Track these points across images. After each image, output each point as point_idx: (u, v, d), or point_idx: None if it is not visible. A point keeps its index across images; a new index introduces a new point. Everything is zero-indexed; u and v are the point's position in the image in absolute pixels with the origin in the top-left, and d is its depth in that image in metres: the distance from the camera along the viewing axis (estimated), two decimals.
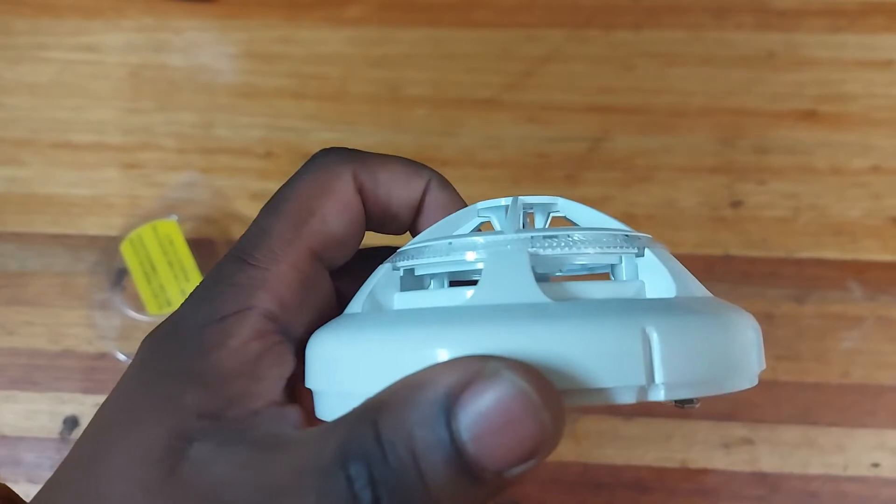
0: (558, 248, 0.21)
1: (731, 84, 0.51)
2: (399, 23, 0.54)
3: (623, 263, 0.22)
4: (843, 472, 0.45)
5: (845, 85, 0.51)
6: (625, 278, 0.22)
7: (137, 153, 0.52)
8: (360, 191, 0.25)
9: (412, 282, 0.23)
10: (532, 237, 0.21)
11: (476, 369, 0.17)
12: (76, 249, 0.50)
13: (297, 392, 0.23)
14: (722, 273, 0.48)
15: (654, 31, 0.52)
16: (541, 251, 0.21)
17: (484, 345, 0.18)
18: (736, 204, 0.49)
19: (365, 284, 0.23)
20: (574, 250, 0.21)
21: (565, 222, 0.25)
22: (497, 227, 0.24)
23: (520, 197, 0.24)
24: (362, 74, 0.53)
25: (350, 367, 0.20)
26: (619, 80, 0.52)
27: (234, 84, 0.53)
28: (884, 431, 0.45)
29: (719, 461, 0.45)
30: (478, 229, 0.25)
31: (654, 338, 0.18)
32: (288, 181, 0.25)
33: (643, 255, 0.22)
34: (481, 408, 0.17)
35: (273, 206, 0.25)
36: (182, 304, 0.23)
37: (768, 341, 0.46)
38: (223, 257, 0.24)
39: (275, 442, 0.20)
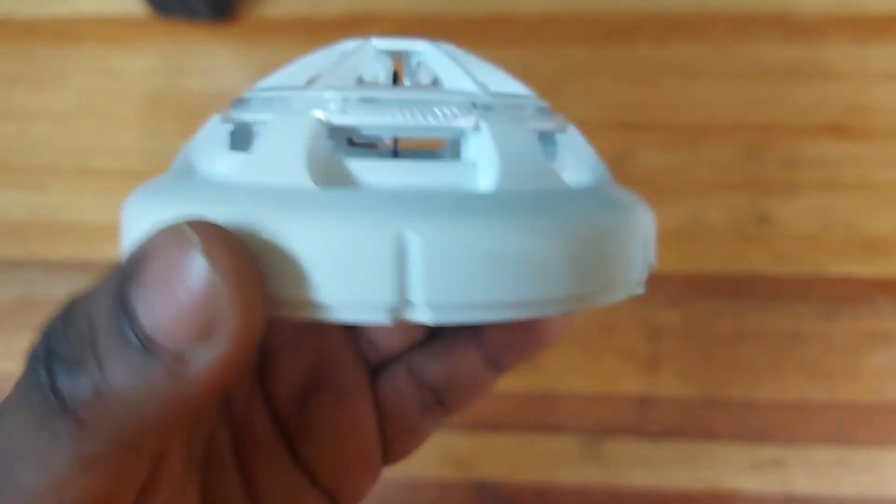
0: (361, 113, 0.17)
1: (755, 98, 0.50)
2: None
3: (470, 138, 0.18)
4: (876, 492, 0.44)
5: (872, 97, 0.50)
6: (471, 157, 0.18)
7: None
8: None
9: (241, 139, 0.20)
10: (333, 97, 0.17)
11: (170, 233, 0.15)
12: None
13: None
14: (749, 290, 0.47)
15: (677, 45, 0.51)
16: (335, 118, 0.17)
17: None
18: (762, 220, 0.48)
19: (195, 137, 0.21)
20: (387, 118, 0.17)
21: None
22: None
23: (373, 39, 0.20)
24: None
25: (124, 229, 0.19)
26: (641, 95, 0.51)
27: None
28: None
29: (749, 483, 0.44)
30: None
31: (415, 246, 0.15)
32: None
33: (479, 130, 0.18)
34: (155, 269, 0.15)
35: None
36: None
37: (798, 359, 0.46)
38: None
39: None
